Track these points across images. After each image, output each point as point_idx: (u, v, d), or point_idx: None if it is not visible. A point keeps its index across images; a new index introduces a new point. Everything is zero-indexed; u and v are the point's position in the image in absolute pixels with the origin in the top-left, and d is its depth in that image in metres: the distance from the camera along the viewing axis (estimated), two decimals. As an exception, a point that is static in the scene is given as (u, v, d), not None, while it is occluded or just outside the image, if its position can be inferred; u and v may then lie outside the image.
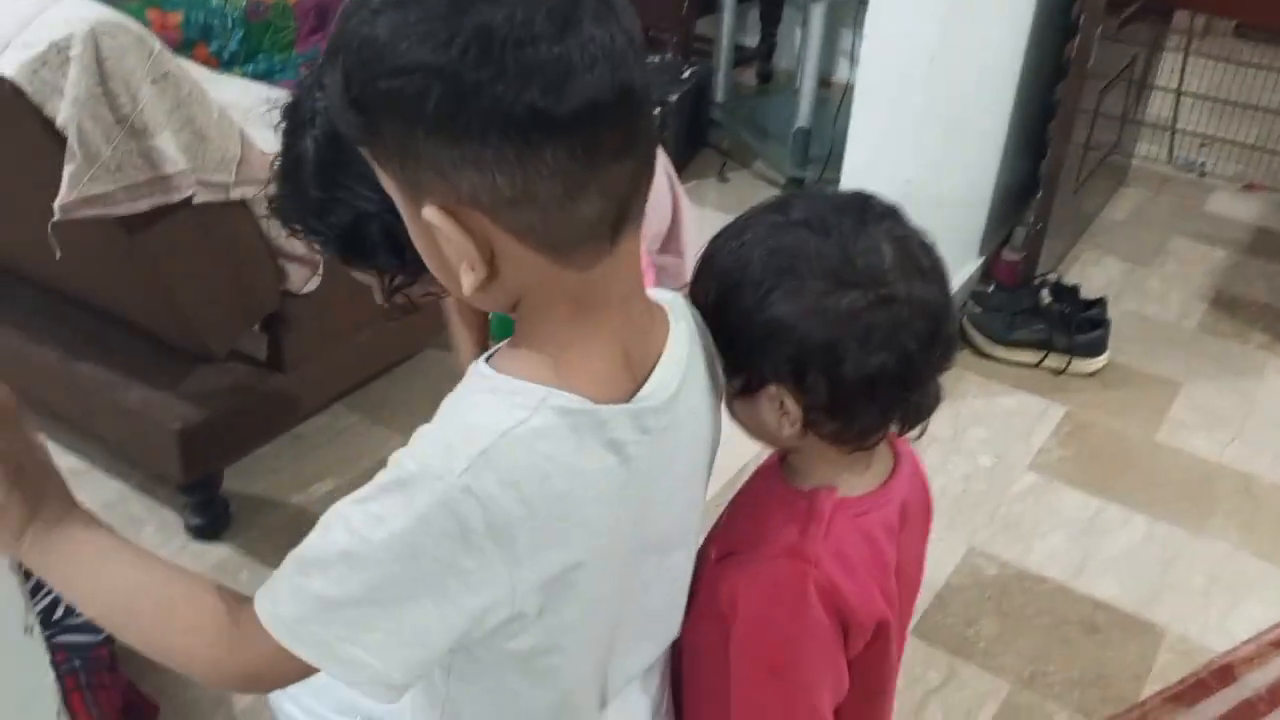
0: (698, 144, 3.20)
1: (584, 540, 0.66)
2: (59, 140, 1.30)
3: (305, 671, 0.66)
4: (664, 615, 0.84)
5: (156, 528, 1.81)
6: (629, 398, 0.68)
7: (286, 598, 0.64)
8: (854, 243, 0.77)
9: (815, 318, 0.76)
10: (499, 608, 0.64)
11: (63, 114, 1.29)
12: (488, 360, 0.68)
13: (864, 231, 0.77)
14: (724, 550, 0.86)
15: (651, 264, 1.26)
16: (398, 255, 0.87)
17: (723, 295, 0.80)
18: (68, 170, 1.31)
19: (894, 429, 0.84)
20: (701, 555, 0.89)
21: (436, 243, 0.63)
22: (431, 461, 0.62)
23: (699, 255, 0.84)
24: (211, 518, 1.79)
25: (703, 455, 0.80)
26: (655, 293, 0.76)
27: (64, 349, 1.76)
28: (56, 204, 1.31)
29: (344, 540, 0.63)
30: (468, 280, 0.63)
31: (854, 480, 0.85)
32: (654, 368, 0.71)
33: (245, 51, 2.43)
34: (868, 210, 0.79)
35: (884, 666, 0.89)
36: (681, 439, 0.74)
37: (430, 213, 0.60)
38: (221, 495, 1.80)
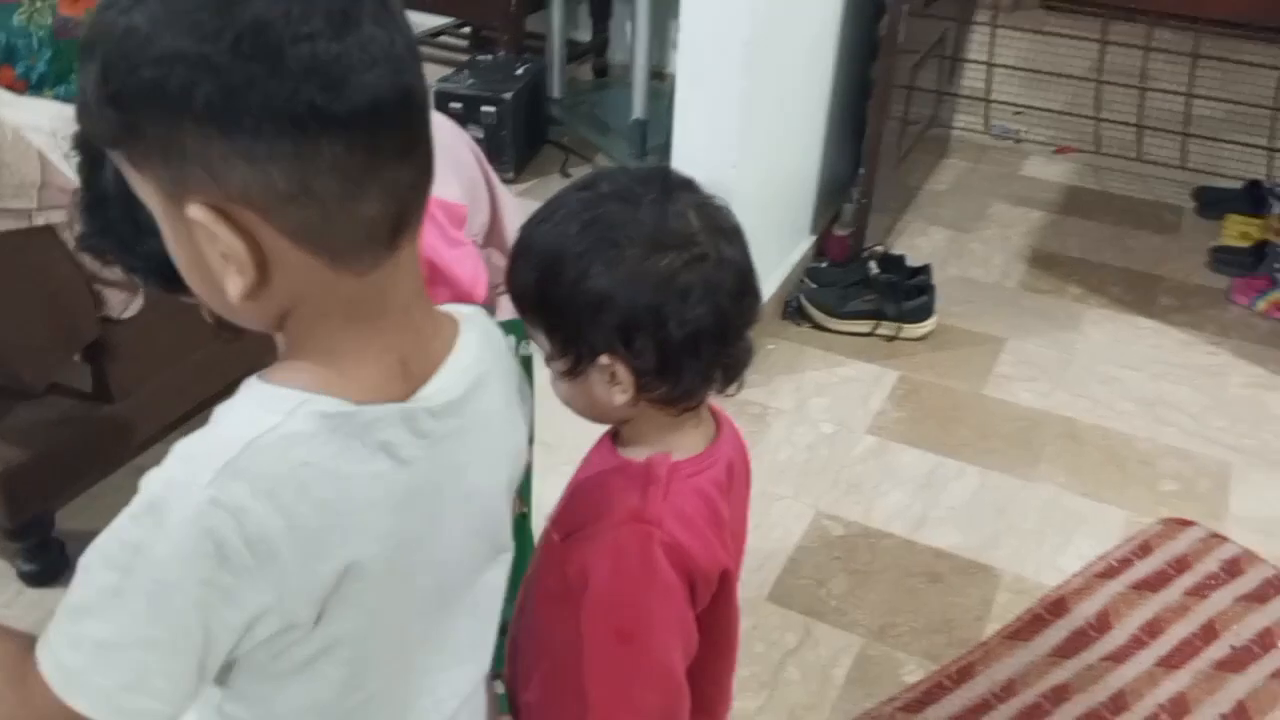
0: (538, 141, 3.21)
1: (359, 546, 0.63)
2: None
3: None
4: (478, 634, 0.82)
5: (-14, 576, 1.73)
6: (403, 401, 0.66)
7: (65, 647, 0.60)
8: (663, 210, 0.82)
9: (638, 282, 0.80)
10: (268, 617, 0.61)
11: None
12: (260, 374, 0.65)
13: (670, 199, 0.83)
14: (567, 530, 0.88)
15: (479, 255, 1.26)
16: None
17: (543, 273, 0.82)
18: None
19: (715, 388, 0.89)
20: (544, 540, 0.91)
21: (199, 249, 0.60)
22: (176, 477, 0.59)
23: (514, 242, 0.86)
24: (45, 563, 1.71)
25: (502, 469, 0.77)
26: (452, 307, 0.75)
27: None
28: None
29: (106, 577, 0.59)
30: (235, 286, 0.59)
31: (684, 443, 0.89)
32: (434, 375, 0.69)
33: (55, 72, 2.31)
34: (668, 181, 0.85)
35: (729, 618, 0.94)
36: (471, 448, 0.71)
37: (196, 210, 0.57)
38: (56, 537, 1.72)
